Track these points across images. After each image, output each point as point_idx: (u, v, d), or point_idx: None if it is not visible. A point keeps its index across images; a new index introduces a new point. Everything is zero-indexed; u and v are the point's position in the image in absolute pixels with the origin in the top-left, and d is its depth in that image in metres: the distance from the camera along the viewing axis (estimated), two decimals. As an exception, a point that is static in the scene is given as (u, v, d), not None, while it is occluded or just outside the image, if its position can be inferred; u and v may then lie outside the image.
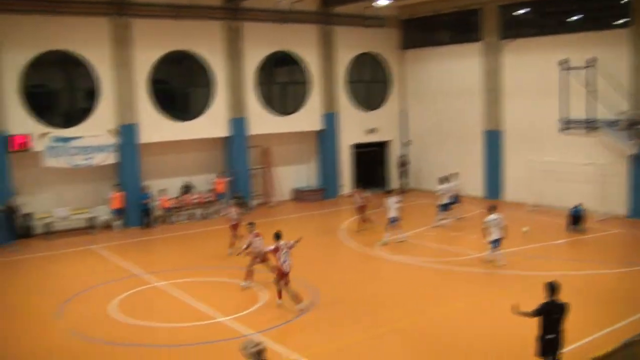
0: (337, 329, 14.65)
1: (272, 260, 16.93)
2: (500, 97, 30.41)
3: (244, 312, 15.59)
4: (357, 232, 24.70)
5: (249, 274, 17.77)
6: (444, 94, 33.13)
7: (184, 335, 14.31)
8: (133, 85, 26.99)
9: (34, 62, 25.14)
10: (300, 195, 32.41)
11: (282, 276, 15.83)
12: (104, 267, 20.84)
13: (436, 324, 14.82)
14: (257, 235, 17.78)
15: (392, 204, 22.72)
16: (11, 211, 24.37)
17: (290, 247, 15.99)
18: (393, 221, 22.63)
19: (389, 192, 25.10)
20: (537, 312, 10.70)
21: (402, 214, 23.41)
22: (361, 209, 25.56)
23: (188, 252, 22.79)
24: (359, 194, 25.94)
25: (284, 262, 15.77)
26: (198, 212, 28.69)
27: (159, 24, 27.43)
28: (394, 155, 35.49)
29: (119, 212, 26.79)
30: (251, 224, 18.26)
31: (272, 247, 16.00)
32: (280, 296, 16.11)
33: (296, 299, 15.81)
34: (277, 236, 16.07)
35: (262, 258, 17.75)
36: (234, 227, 22.02)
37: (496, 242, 19.18)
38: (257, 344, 7.46)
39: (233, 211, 22.32)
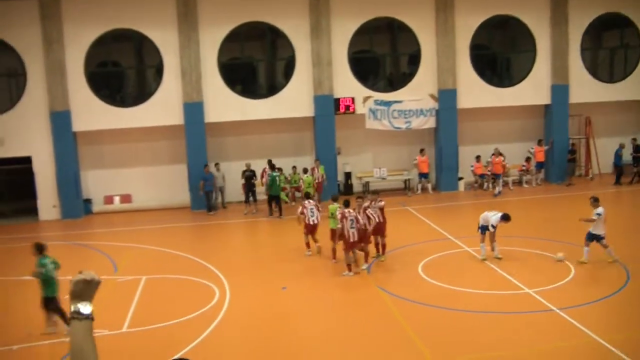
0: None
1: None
2: None
3: (549, 287, 15.20)
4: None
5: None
6: None
7: (486, 303, 14.45)
8: (453, 51, 27.37)
9: (360, 29, 26.81)
10: (621, 169, 30.07)
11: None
12: (418, 227, 21.68)
13: None
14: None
15: None
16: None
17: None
18: None
19: None
20: None
21: None
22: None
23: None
24: None
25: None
26: (510, 180, 28.41)
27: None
28: None
29: (424, 176, 27.65)
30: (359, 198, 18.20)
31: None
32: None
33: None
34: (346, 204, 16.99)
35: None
36: None
37: None
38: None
39: None
